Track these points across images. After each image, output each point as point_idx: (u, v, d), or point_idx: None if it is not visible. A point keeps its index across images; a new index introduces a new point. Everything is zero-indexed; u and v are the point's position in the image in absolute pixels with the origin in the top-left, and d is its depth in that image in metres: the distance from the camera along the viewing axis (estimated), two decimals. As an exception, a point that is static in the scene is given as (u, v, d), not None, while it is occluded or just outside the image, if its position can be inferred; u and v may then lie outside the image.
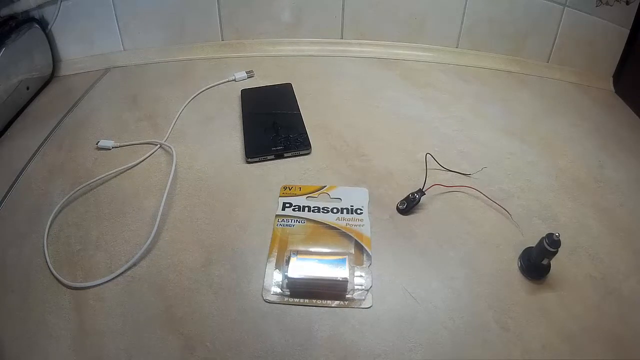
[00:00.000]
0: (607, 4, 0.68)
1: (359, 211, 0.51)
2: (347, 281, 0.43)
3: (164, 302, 0.42)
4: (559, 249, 0.41)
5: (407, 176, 0.55)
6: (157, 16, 0.78)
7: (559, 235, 0.41)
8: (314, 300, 0.42)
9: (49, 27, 0.76)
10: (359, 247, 0.47)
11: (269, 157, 0.58)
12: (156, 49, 0.80)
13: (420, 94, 0.70)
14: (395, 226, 0.49)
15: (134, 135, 0.63)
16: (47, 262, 0.46)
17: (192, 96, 0.70)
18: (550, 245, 0.41)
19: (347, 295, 0.42)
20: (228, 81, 0.74)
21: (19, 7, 0.72)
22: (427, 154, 0.56)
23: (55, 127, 0.65)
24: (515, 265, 0.45)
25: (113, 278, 0.44)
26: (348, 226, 0.49)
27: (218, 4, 0.77)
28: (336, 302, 0.42)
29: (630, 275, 0.44)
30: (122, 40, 0.80)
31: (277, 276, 0.44)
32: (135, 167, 0.58)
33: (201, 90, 0.71)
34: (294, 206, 0.51)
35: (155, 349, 0.39)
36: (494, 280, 0.44)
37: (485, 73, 0.76)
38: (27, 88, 0.71)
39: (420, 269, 0.45)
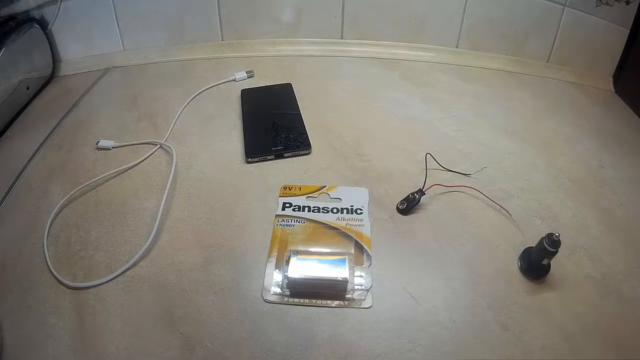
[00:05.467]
0: (607, 4, 0.68)
1: (359, 211, 0.51)
2: (347, 281, 0.43)
3: (164, 302, 0.42)
4: (559, 249, 0.41)
5: (407, 176, 0.55)
6: (157, 16, 0.78)
7: (559, 235, 0.41)
8: (314, 300, 0.42)
9: (49, 27, 0.76)
10: (359, 247, 0.47)
11: (269, 157, 0.58)
12: (156, 49, 0.81)
13: (420, 94, 0.70)
14: (395, 226, 0.49)
15: (134, 135, 0.63)
16: (47, 262, 0.46)
17: (192, 96, 0.70)
18: (550, 245, 0.41)
19: (347, 295, 0.42)
20: (228, 81, 0.74)
21: (19, 7, 0.72)
22: (427, 154, 0.56)
23: (55, 127, 0.65)
24: (515, 265, 0.45)
25: (113, 278, 0.44)
26: (348, 226, 0.49)
27: (218, 4, 0.77)
28: (336, 302, 0.42)
29: (630, 275, 0.44)
30: (122, 40, 0.80)
31: (277, 276, 0.44)
32: (135, 167, 0.58)
33: (201, 90, 0.71)
34: (294, 206, 0.51)
35: (155, 349, 0.39)
36: (494, 280, 0.44)
37: (485, 73, 0.76)
38: (27, 88, 0.71)
39: (420, 269, 0.45)
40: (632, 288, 0.43)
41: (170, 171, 0.55)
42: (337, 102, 0.69)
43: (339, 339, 0.39)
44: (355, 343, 0.39)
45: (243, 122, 0.64)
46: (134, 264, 0.45)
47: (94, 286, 0.44)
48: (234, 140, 0.61)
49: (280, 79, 0.73)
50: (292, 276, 0.43)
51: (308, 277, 0.43)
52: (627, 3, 0.67)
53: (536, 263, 0.43)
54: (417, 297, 0.42)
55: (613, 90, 0.73)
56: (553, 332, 0.40)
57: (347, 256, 0.45)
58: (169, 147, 0.59)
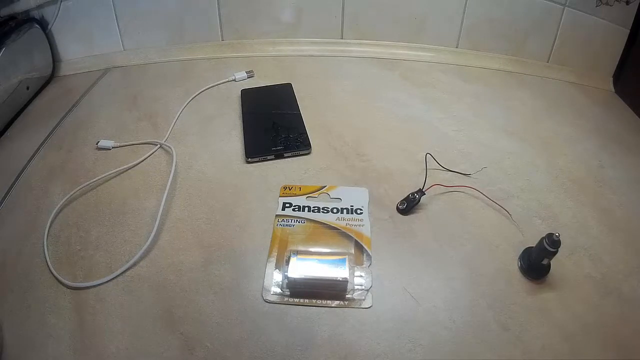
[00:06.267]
0: (607, 4, 0.68)
1: (359, 211, 0.51)
2: (347, 281, 0.43)
3: (164, 302, 0.42)
4: (559, 249, 0.41)
5: (407, 176, 0.55)
6: (157, 16, 0.78)
7: (559, 235, 0.41)
8: (314, 300, 0.42)
9: (49, 27, 0.76)
10: (359, 247, 0.47)
11: (269, 157, 0.58)
12: (156, 49, 0.81)
13: (420, 94, 0.70)
14: (395, 226, 0.49)
15: (134, 135, 0.63)
16: (47, 262, 0.46)
17: (192, 96, 0.70)
18: (550, 245, 0.41)
19: (347, 295, 0.42)
20: (228, 81, 0.74)
21: (19, 7, 0.72)
22: (427, 154, 0.56)
23: (55, 127, 0.65)
24: (515, 265, 0.45)
25: (113, 278, 0.44)
26: (348, 226, 0.49)
27: (218, 4, 0.77)
28: (336, 302, 0.42)
29: (630, 275, 0.44)
30: (122, 40, 0.80)
31: (277, 276, 0.44)
32: (135, 167, 0.58)
33: (201, 90, 0.71)
34: (294, 206, 0.51)
35: (155, 349, 0.39)
36: (494, 280, 0.44)
37: (485, 73, 0.76)
38: (27, 88, 0.71)
39: (420, 269, 0.45)
40: (632, 288, 0.43)
41: (170, 171, 0.55)
42: (337, 102, 0.69)
43: (339, 339, 0.39)
44: (355, 343, 0.39)
45: (243, 122, 0.64)
46: (134, 264, 0.45)
47: (94, 286, 0.44)
48: (234, 140, 0.61)
49: (280, 79, 0.73)
50: (292, 276, 0.43)
51: (308, 277, 0.43)
52: (627, 3, 0.67)
53: (536, 263, 0.43)
54: (417, 297, 0.42)
55: (613, 90, 0.73)
56: (553, 332, 0.40)
57: (347, 256, 0.45)
58: (169, 147, 0.59)
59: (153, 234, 0.48)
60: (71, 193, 0.53)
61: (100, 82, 0.76)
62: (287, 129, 0.62)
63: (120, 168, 0.57)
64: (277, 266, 0.45)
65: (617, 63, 0.73)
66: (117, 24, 0.78)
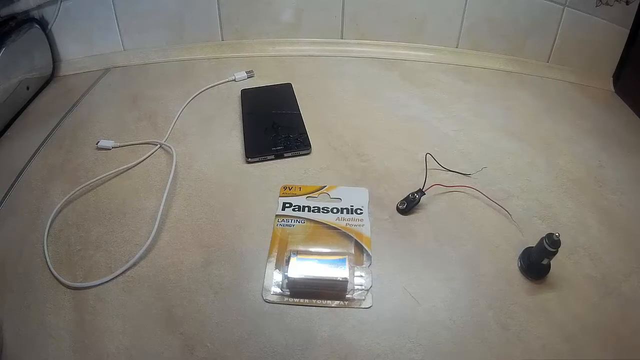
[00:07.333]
0: (607, 4, 0.68)
1: (359, 211, 0.51)
2: (347, 281, 0.43)
3: (164, 302, 0.42)
4: (559, 249, 0.41)
5: (407, 176, 0.55)
6: (157, 16, 0.78)
7: (559, 235, 0.41)
8: (314, 300, 0.42)
9: (49, 27, 0.76)
10: (359, 247, 0.47)
11: (269, 157, 0.58)
12: (156, 49, 0.81)
13: (420, 94, 0.70)
14: (395, 226, 0.49)
15: (134, 135, 0.63)
16: (47, 262, 0.46)
17: (192, 96, 0.70)
18: (550, 245, 0.41)
19: (347, 295, 0.42)
20: (228, 81, 0.74)
21: (19, 7, 0.72)
22: (427, 154, 0.56)
23: (55, 127, 0.65)
24: (515, 265, 0.45)
25: (113, 278, 0.44)
26: (348, 226, 0.49)
27: (218, 4, 0.77)
28: (336, 302, 0.42)
29: (630, 275, 0.44)
30: (122, 40, 0.80)
31: (277, 276, 0.44)
32: (135, 167, 0.58)
33: (201, 90, 0.71)
34: (294, 206, 0.51)
35: (155, 349, 0.39)
36: (494, 280, 0.44)
37: (485, 73, 0.76)
38: (27, 88, 0.71)
39: (420, 269, 0.45)
40: (632, 288, 0.43)
41: (170, 171, 0.55)
42: (337, 102, 0.69)
43: (339, 339, 0.39)
44: (355, 343, 0.39)
45: (243, 122, 0.64)
46: (134, 264, 0.45)
47: (94, 286, 0.44)
48: (234, 140, 0.61)
49: (280, 79, 0.73)
50: (292, 276, 0.43)
51: (308, 277, 0.43)
52: (627, 3, 0.67)
53: (536, 263, 0.43)
54: (417, 297, 0.42)
55: (613, 90, 0.73)
56: (553, 332, 0.40)
57: (347, 256, 0.45)
58: (169, 147, 0.59)
59: (153, 234, 0.48)
60: (71, 193, 0.53)
61: (100, 82, 0.76)
62: (287, 129, 0.62)
63: (120, 168, 0.57)
64: (277, 266, 0.45)
65: (617, 63, 0.73)
66: (117, 24, 0.78)
